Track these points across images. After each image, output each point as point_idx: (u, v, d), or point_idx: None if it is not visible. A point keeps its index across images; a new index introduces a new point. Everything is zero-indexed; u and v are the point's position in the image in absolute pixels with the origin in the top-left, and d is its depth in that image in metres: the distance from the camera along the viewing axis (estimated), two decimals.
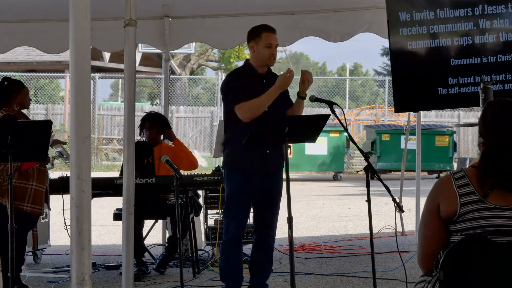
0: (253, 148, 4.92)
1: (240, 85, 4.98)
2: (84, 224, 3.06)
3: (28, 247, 6.38)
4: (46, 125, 5.13)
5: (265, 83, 5.01)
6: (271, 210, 5.07)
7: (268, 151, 4.97)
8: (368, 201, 4.49)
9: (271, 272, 5.25)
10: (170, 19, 7.56)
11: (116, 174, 10.68)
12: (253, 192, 5.03)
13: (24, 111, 5.92)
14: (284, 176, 5.01)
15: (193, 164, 6.68)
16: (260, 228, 5.14)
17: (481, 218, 2.76)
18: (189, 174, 6.48)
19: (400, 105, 6.63)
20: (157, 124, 6.72)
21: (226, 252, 5.12)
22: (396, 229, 4.82)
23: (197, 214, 7.11)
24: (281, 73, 5.09)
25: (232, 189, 5.04)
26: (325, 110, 17.27)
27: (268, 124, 4.79)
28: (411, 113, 8.75)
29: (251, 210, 5.24)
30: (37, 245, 6.25)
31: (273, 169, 5.02)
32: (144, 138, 6.76)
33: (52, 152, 6.67)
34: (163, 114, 7.21)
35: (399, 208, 4.39)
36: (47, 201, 5.74)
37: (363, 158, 4.51)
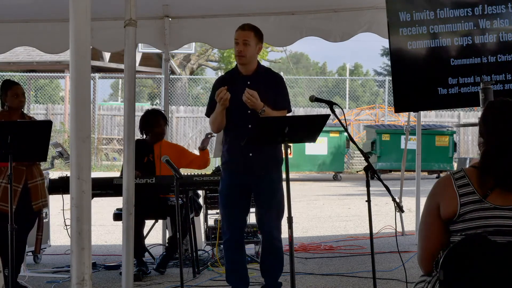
0: (237, 150, 4.98)
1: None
2: (84, 224, 3.06)
3: (29, 247, 6.37)
4: (46, 125, 5.12)
5: (249, 84, 4.98)
6: (266, 212, 5.06)
7: (250, 154, 4.97)
8: (368, 201, 4.49)
9: (281, 271, 5.18)
10: (170, 19, 7.56)
11: (116, 174, 10.69)
12: (240, 193, 5.04)
13: (25, 111, 5.89)
14: (282, 177, 5.03)
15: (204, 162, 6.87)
16: (261, 230, 5.17)
17: (481, 218, 2.76)
18: (189, 174, 6.48)
19: (400, 105, 6.63)
20: (166, 121, 6.79)
21: (225, 253, 5.18)
22: (396, 229, 4.82)
23: (197, 214, 7.11)
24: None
25: (220, 189, 5.18)
26: (325, 110, 17.27)
27: (242, 122, 4.81)
28: (411, 113, 8.75)
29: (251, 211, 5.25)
30: (39, 250, 6.16)
31: (259, 171, 5.00)
32: (146, 136, 6.75)
33: (52, 152, 6.67)
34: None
35: (399, 208, 4.39)
36: (28, 200, 5.60)
37: (363, 158, 4.50)
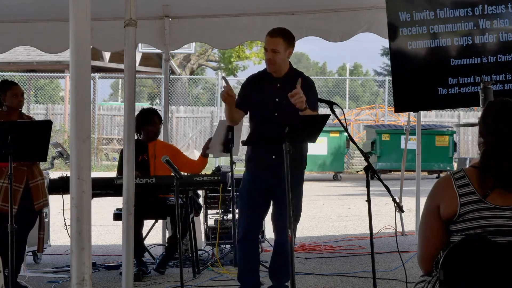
0: (260, 149, 4.99)
1: (246, 89, 5.09)
2: (84, 224, 3.06)
3: (29, 247, 6.36)
4: (46, 125, 5.12)
5: (279, 87, 4.97)
6: (279, 212, 5.02)
7: (274, 157, 4.94)
8: (368, 201, 4.48)
9: (289, 275, 4.89)
10: (170, 19, 7.56)
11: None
12: (258, 193, 5.03)
13: (24, 111, 5.88)
14: (303, 178, 5.05)
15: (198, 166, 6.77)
16: (274, 231, 5.15)
17: (481, 218, 2.76)
18: (189, 174, 6.47)
19: (400, 105, 6.63)
20: (160, 120, 6.80)
21: (238, 252, 5.19)
22: (396, 229, 4.82)
23: (197, 214, 7.11)
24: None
25: (240, 188, 5.18)
26: (325, 110, 17.22)
27: (268, 125, 4.79)
28: (411, 113, 8.75)
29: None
30: (42, 249, 6.14)
31: (281, 171, 4.97)
32: (140, 135, 6.74)
33: (52, 152, 6.67)
34: (162, 114, 7.22)
35: (399, 208, 4.39)
36: (30, 200, 5.60)
37: (363, 158, 4.50)
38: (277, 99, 4.90)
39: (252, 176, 5.08)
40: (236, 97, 5.06)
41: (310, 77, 5.28)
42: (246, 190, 5.09)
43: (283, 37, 4.96)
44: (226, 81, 4.95)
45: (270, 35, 4.97)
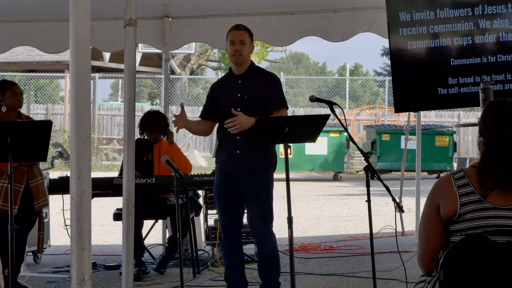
0: (225, 148, 5.05)
1: (208, 98, 5.26)
2: (84, 224, 3.06)
3: (29, 247, 6.36)
4: (46, 125, 5.12)
5: (240, 83, 5.05)
6: (252, 215, 5.05)
7: (238, 152, 4.99)
8: (368, 201, 4.49)
9: (275, 273, 5.07)
10: (170, 19, 7.56)
11: (116, 174, 10.69)
12: (230, 194, 5.05)
13: (24, 111, 5.88)
14: (272, 177, 5.07)
15: (187, 169, 6.70)
16: (251, 233, 5.19)
17: (481, 218, 2.76)
18: (189, 174, 6.47)
19: (400, 105, 6.63)
20: (160, 126, 6.73)
21: (222, 253, 5.26)
22: (396, 229, 4.82)
23: (197, 214, 7.11)
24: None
25: (213, 189, 5.24)
26: (325, 110, 17.26)
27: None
28: (411, 113, 8.75)
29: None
30: (41, 249, 6.13)
31: (246, 170, 4.99)
32: (144, 137, 6.75)
33: (52, 152, 6.67)
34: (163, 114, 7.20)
35: (399, 208, 4.39)
36: (30, 200, 5.59)
37: (363, 158, 4.51)
38: (239, 95, 5.02)
39: (219, 175, 5.13)
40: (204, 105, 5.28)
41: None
42: (216, 191, 5.15)
43: (248, 31, 5.13)
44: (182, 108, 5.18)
45: (237, 28, 5.12)
